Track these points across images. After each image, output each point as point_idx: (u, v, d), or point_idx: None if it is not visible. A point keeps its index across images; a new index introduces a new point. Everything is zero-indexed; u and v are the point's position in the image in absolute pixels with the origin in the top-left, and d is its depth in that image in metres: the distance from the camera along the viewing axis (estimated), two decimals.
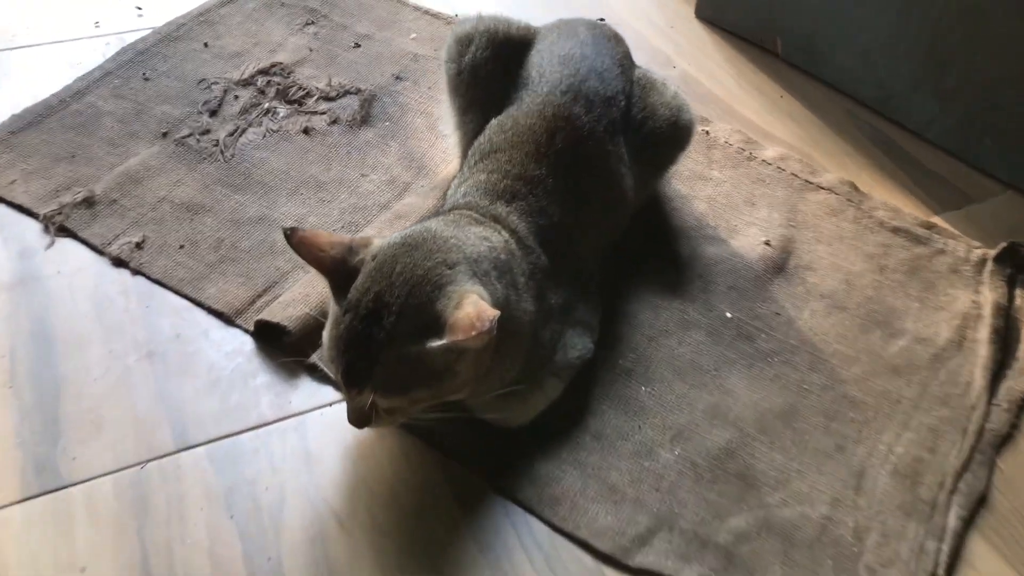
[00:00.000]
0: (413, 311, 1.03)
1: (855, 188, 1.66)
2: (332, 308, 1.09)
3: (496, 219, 1.21)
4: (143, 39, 1.83)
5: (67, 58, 1.77)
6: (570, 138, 1.29)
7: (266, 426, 1.21)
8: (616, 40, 1.48)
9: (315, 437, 1.21)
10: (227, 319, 1.33)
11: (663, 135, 1.44)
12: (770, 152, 1.73)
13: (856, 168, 1.74)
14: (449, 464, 1.18)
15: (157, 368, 1.27)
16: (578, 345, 1.26)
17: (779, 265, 1.50)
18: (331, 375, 1.17)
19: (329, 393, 1.26)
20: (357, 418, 1.08)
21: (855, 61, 1.87)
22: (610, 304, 1.37)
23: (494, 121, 1.36)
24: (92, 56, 1.78)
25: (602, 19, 1.70)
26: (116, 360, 1.27)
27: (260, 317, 1.30)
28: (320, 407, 1.24)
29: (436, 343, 1.00)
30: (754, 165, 1.70)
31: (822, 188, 1.66)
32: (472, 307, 1.00)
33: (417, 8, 2.03)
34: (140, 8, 1.93)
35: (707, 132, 1.76)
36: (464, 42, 1.46)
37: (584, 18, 1.52)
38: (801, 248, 1.54)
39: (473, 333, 0.98)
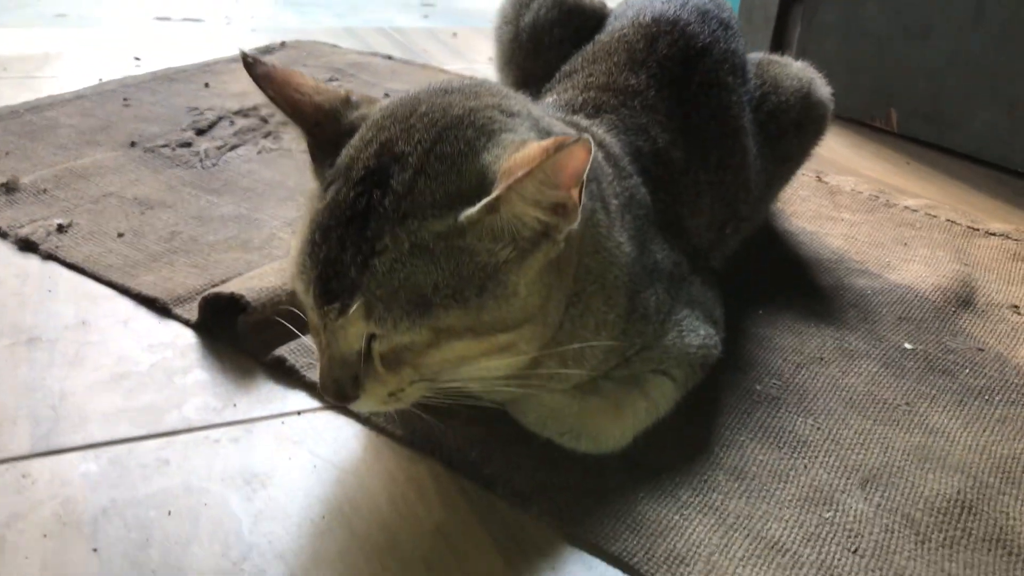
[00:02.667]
0: (443, 164, 0.60)
1: None
2: (310, 191, 0.66)
3: (576, 128, 0.80)
4: (133, 76, 1.53)
5: (48, 90, 1.45)
6: (678, 46, 0.90)
7: (188, 432, 0.73)
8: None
9: (266, 452, 0.72)
10: (161, 307, 0.89)
11: (791, 113, 1.05)
12: (912, 201, 1.33)
13: None
14: (491, 501, 0.69)
15: (37, 356, 0.81)
16: (699, 330, 0.79)
17: (964, 299, 1.05)
18: (304, 326, 0.71)
19: (299, 399, 0.78)
20: (336, 377, 0.62)
21: (998, 122, 1.50)
22: (732, 320, 0.91)
23: None
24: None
25: None
26: None
27: (210, 291, 0.86)
28: (281, 415, 0.77)
29: (476, 208, 0.57)
30: (895, 211, 1.29)
31: (993, 234, 1.24)
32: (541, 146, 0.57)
33: (462, 76, 1.73)
34: (139, 58, 1.65)
35: (821, 179, 1.37)
36: (524, 1, 1.12)
37: None
38: (989, 288, 1.09)
39: (544, 158, 0.54)
